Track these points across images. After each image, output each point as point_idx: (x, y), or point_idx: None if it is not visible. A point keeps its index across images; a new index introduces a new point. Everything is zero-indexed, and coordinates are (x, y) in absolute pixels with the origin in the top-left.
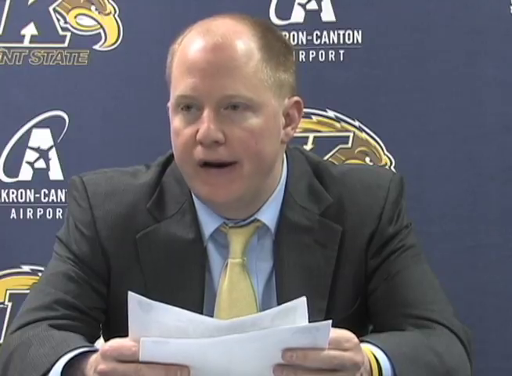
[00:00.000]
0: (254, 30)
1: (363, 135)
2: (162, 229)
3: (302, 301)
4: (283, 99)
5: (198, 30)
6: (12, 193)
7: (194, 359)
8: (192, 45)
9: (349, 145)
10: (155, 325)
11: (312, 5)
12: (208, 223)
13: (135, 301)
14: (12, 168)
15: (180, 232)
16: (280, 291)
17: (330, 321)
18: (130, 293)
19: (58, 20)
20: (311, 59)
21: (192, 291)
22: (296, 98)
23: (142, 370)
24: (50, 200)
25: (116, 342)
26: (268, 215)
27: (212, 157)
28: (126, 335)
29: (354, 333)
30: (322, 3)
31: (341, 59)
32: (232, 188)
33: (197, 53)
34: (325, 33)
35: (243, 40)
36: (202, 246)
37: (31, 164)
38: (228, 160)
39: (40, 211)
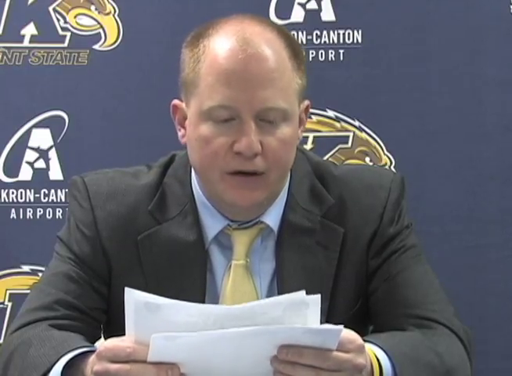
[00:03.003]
0: (281, 37)
1: (363, 135)
2: (163, 230)
3: (316, 297)
4: (300, 104)
5: (228, 35)
6: (12, 193)
7: (204, 352)
8: (228, 52)
9: (349, 145)
10: (163, 324)
11: (312, 5)
12: (212, 225)
13: (141, 303)
14: (12, 168)
15: (182, 234)
16: (282, 292)
17: (342, 326)
18: (136, 297)
19: (58, 20)
20: (311, 58)
21: (194, 293)
22: (307, 102)
23: (132, 370)
24: (50, 200)
25: (110, 343)
26: (272, 216)
27: (249, 167)
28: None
29: None
30: (322, 3)
31: (341, 59)
32: (257, 194)
33: (236, 64)
34: (325, 33)
35: (277, 50)
36: (203, 248)
37: (31, 164)
38: (261, 170)
39: (40, 211)
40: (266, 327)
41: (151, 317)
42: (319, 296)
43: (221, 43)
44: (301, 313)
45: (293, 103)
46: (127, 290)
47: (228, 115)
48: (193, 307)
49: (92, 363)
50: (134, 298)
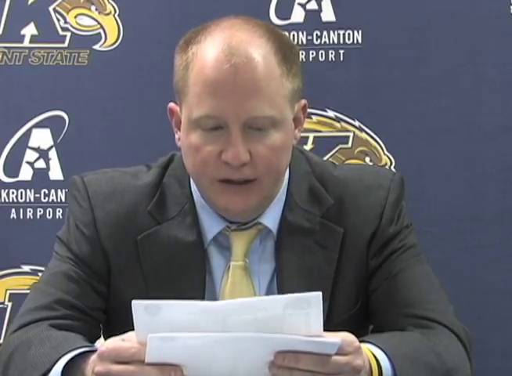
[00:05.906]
0: (271, 42)
1: (363, 135)
2: (163, 230)
3: (317, 295)
4: (295, 106)
5: (216, 43)
6: (12, 193)
7: (201, 355)
8: (213, 62)
9: (349, 145)
10: (165, 325)
11: (312, 5)
12: (210, 226)
13: (140, 307)
14: (12, 168)
15: (181, 234)
16: (282, 293)
17: (339, 340)
18: (134, 302)
19: (58, 20)
20: (311, 59)
21: (193, 293)
22: (303, 101)
23: (135, 371)
24: (50, 200)
25: (112, 343)
26: (271, 217)
27: (237, 176)
28: None
29: (354, 333)
30: (322, 3)
31: (341, 59)
32: (250, 200)
33: (222, 74)
34: (325, 33)
35: (264, 57)
36: (202, 248)
37: (31, 164)
38: (251, 178)
39: (40, 211)
40: (264, 335)
41: (152, 320)
42: (320, 293)
43: (208, 52)
44: (303, 311)
45: (282, 108)
46: (134, 302)
47: (216, 124)
48: (193, 305)
49: (93, 364)
50: (134, 304)
